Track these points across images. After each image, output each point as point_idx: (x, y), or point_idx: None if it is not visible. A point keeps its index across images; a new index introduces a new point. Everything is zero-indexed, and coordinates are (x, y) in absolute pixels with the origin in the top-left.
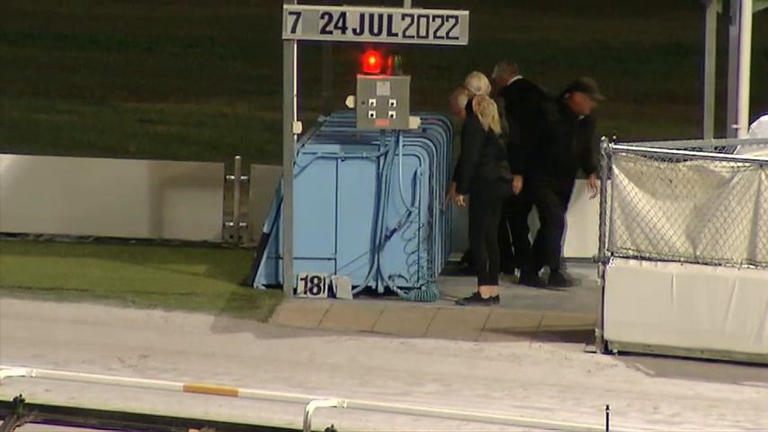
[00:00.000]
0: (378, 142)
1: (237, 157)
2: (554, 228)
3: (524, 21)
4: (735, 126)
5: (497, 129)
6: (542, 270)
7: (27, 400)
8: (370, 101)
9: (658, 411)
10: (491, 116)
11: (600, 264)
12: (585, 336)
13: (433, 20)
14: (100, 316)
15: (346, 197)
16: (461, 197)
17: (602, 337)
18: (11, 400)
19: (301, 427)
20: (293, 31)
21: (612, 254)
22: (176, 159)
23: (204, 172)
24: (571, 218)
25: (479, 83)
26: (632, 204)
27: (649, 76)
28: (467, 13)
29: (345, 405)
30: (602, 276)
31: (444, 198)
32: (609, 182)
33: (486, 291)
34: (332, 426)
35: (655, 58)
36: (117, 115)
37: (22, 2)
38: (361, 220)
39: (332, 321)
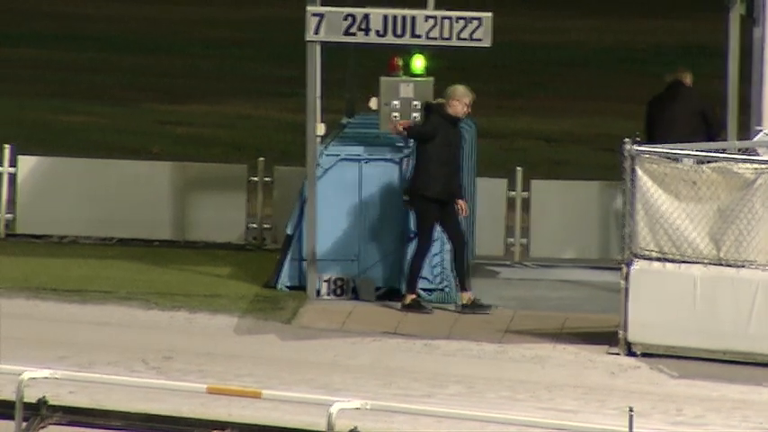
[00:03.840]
0: (401, 144)
1: (261, 158)
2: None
3: (548, 22)
4: (758, 128)
5: None
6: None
7: (51, 402)
8: (394, 102)
9: (682, 413)
10: None
11: (623, 266)
12: (609, 337)
13: (457, 21)
14: (123, 318)
15: (369, 199)
16: None
17: (626, 338)
18: (35, 401)
19: (325, 429)
20: (316, 32)
21: (636, 256)
22: (200, 161)
23: (227, 174)
24: (593, 220)
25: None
26: (656, 206)
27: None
28: (490, 14)
29: (369, 407)
30: (626, 278)
31: (469, 200)
32: (632, 184)
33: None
34: (355, 427)
35: (679, 59)
36: (140, 117)
37: (44, 4)
38: (385, 221)
39: (355, 323)
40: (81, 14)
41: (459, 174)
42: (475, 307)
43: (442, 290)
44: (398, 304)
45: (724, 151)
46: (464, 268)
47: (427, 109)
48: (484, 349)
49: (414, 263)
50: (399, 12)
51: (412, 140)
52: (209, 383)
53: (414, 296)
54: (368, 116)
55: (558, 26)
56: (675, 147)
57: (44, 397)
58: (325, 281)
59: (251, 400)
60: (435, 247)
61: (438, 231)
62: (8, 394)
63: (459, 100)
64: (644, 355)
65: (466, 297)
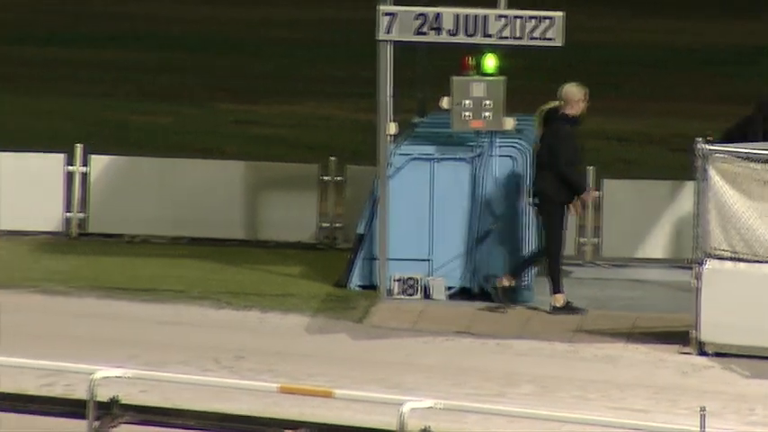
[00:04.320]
0: (473, 143)
1: (332, 158)
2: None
3: (620, 22)
4: None
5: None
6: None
7: (122, 401)
8: (466, 102)
9: (754, 413)
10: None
11: (695, 265)
12: (681, 337)
13: (528, 21)
14: (195, 317)
15: (441, 198)
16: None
17: (698, 338)
18: (107, 400)
19: (396, 429)
20: (388, 32)
21: (708, 255)
22: (272, 160)
23: (299, 173)
24: (665, 220)
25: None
26: (727, 206)
27: (755, 78)
28: (562, 14)
29: (441, 406)
30: (698, 278)
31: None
32: (704, 183)
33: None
34: (427, 427)
35: (760, 59)
36: (213, 116)
37: (123, 5)
38: (456, 221)
39: (427, 322)
40: (156, 15)
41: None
42: (568, 309)
43: (514, 289)
44: (471, 303)
45: None
46: (558, 270)
47: (548, 116)
48: (556, 349)
49: (552, 266)
50: (471, 11)
51: (550, 153)
52: (281, 383)
53: (564, 296)
54: (439, 115)
55: (631, 26)
56: (748, 146)
57: (116, 396)
58: (396, 280)
59: (323, 399)
60: (506, 247)
61: (511, 233)
62: (81, 393)
63: (578, 99)
64: (716, 354)
65: (560, 299)
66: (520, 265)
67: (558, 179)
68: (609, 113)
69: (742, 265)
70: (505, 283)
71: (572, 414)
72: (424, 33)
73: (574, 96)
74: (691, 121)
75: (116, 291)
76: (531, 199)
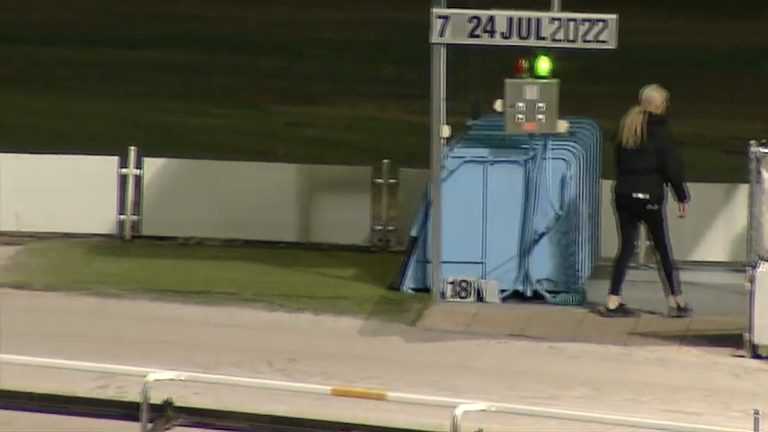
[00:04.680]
0: (526, 146)
1: (386, 160)
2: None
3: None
4: None
5: (629, 141)
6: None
7: (176, 403)
8: (519, 104)
9: None
10: (623, 129)
11: (749, 268)
12: (734, 340)
13: (582, 23)
14: (248, 319)
15: (494, 201)
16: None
17: (751, 341)
18: (160, 402)
19: (449, 431)
20: (441, 35)
21: (761, 258)
22: (325, 163)
23: (353, 175)
24: (719, 223)
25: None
26: None
27: None
28: (615, 16)
29: (494, 409)
30: (751, 281)
31: (593, 201)
32: (758, 186)
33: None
34: (480, 429)
35: None
36: (267, 119)
37: (176, 6)
38: (509, 223)
39: (480, 325)
40: (208, 17)
41: None
42: (622, 312)
43: (567, 292)
44: (525, 306)
45: None
46: (622, 273)
47: (655, 122)
48: (609, 351)
49: (620, 267)
50: (524, 14)
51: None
52: (333, 385)
53: (619, 299)
54: (493, 118)
55: (683, 28)
56: None
57: (169, 398)
58: (449, 283)
59: (376, 401)
60: (560, 250)
61: (564, 235)
62: (134, 396)
63: (661, 102)
64: None
65: (615, 301)
66: (666, 281)
67: (665, 184)
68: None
69: None
70: (678, 302)
71: (625, 417)
72: (478, 36)
73: (656, 100)
74: (746, 122)
75: (169, 293)
76: (649, 205)
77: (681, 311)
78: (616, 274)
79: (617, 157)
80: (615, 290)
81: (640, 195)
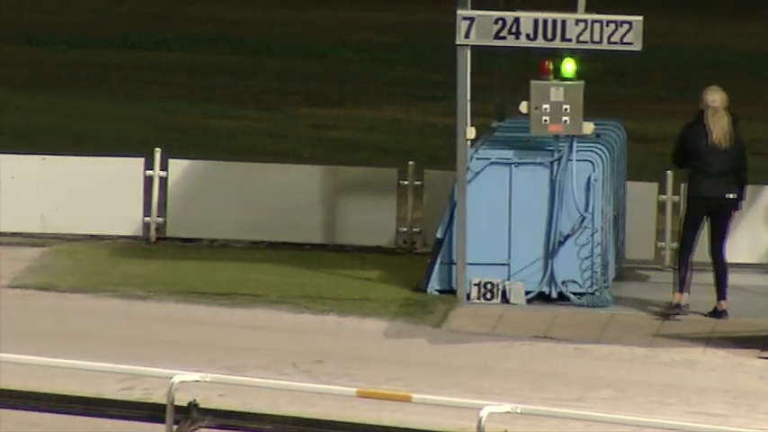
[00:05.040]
0: (551, 148)
1: (411, 162)
2: None
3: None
4: None
5: (721, 143)
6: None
7: (201, 405)
8: (544, 106)
9: None
10: (713, 131)
11: None
12: (760, 342)
13: (607, 25)
14: (274, 321)
15: (520, 203)
16: None
17: None
18: (185, 404)
19: None
20: (467, 36)
21: None
22: (349, 165)
23: (378, 177)
24: (744, 224)
25: (713, 96)
26: None
27: None
28: (641, 18)
29: (519, 411)
30: None
31: (619, 203)
32: None
33: (676, 297)
34: (505, 431)
35: None
36: (291, 121)
37: (197, 8)
38: (535, 225)
39: (505, 327)
40: (233, 19)
41: None
42: (716, 314)
43: (592, 293)
44: (550, 308)
45: None
46: (687, 271)
47: (734, 123)
48: (634, 353)
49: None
50: (550, 15)
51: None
52: (359, 387)
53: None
54: (518, 120)
55: (708, 30)
56: None
57: (195, 400)
58: (475, 284)
59: (401, 403)
60: (585, 251)
61: (589, 237)
62: (159, 397)
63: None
64: None
65: (686, 299)
66: (720, 287)
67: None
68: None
69: None
70: (723, 306)
71: (650, 419)
72: (503, 38)
73: (724, 102)
74: None
75: (194, 295)
76: (736, 204)
77: (718, 314)
78: (684, 273)
79: (697, 158)
80: (684, 288)
81: (731, 196)
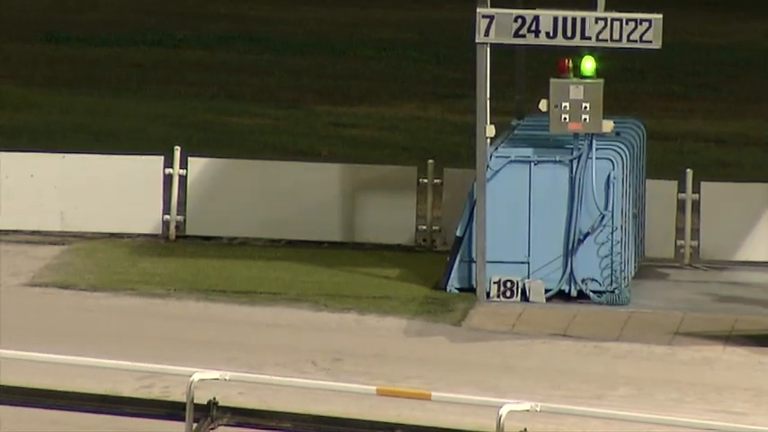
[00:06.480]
0: (571, 146)
1: (430, 160)
2: None
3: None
4: None
5: None
6: None
7: (221, 403)
8: (564, 104)
9: None
10: None
11: None
12: None
13: (627, 23)
14: (293, 319)
15: (539, 201)
16: None
17: None
18: (205, 402)
19: (494, 431)
20: (486, 34)
21: None
22: (369, 163)
23: (397, 175)
24: (764, 222)
25: None
26: None
27: None
28: (660, 16)
29: (538, 409)
30: None
31: (638, 201)
32: None
33: None
34: (525, 429)
35: None
36: (310, 118)
37: (217, 5)
38: (554, 223)
39: (525, 325)
40: (254, 17)
41: None
42: None
43: (612, 292)
44: (569, 306)
45: None
46: None
47: None
48: (653, 351)
49: None
50: (569, 13)
51: None
52: (378, 385)
53: None
54: (538, 118)
55: (727, 28)
56: None
57: (214, 398)
58: (494, 283)
59: (420, 401)
60: (604, 250)
61: (609, 235)
62: (179, 395)
63: None
64: None
65: None
66: None
67: None
68: (707, 116)
69: None
70: None
71: (669, 417)
72: (523, 36)
73: None
74: None
75: (214, 293)
76: None
77: None
78: None
79: None
80: None
81: None
